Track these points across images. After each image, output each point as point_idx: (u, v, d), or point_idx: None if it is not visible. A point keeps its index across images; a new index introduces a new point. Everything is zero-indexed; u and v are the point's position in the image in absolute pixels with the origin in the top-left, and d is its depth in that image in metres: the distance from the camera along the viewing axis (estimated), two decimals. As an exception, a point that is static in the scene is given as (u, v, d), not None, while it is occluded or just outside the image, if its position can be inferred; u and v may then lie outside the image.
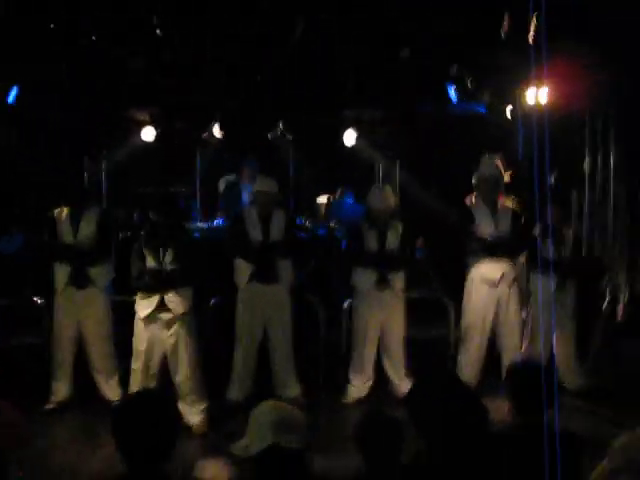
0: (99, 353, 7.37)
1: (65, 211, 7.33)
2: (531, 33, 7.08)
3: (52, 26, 7.71)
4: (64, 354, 7.33)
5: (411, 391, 3.66)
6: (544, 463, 2.70)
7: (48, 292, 7.59)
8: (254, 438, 3.01)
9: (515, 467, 3.40)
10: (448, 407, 3.21)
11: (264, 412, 3.08)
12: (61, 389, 7.34)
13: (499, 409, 3.95)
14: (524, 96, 8.92)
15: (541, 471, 2.70)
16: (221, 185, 11.65)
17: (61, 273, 7.28)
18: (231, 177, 11.46)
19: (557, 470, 2.68)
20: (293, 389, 7.53)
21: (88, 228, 7.28)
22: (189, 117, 11.21)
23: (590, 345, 8.26)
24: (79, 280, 7.24)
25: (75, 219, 7.29)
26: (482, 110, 10.29)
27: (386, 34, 8.24)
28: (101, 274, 7.33)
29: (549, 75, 7.94)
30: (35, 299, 7.91)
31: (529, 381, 3.64)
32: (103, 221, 7.40)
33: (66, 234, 7.26)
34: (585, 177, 9.40)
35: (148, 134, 10.94)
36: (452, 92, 9.76)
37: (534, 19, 7.00)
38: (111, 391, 7.34)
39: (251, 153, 11.00)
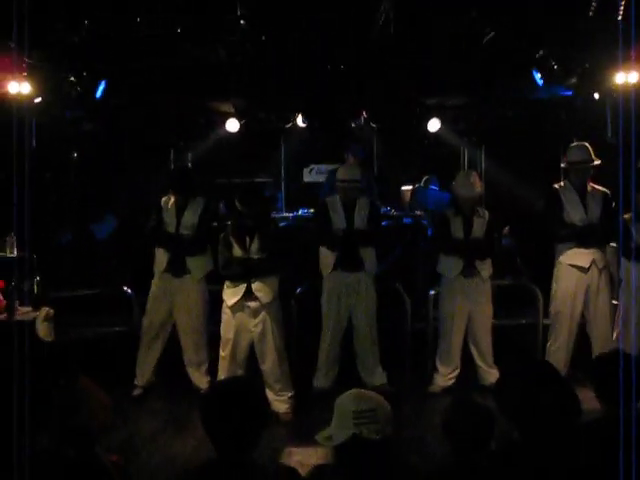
0: (191, 342, 7.46)
1: (172, 200, 7.45)
2: (620, 12, 6.90)
3: (138, 20, 7.81)
4: (153, 339, 7.46)
5: (500, 379, 3.63)
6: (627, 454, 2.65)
7: (138, 280, 7.75)
8: (337, 427, 3.03)
9: (601, 458, 3.33)
10: (540, 395, 3.16)
11: (347, 401, 3.09)
12: (146, 374, 7.48)
13: (588, 398, 3.87)
14: (613, 78, 8.70)
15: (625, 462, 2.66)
16: (305, 175, 11.72)
17: (161, 260, 7.42)
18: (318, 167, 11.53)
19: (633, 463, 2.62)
20: (379, 377, 7.52)
21: (192, 218, 7.39)
22: (272, 108, 11.28)
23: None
24: (178, 267, 7.36)
25: (180, 208, 7.42)
26: (569, 94, 10.08)
27: (470, 18, 8.11)
28: (199, 264, 7.43)
29: (639, 56, 7.74)
30: (125, 288, 8.08)
31: (617, 371, 3.55)
32: (205, 212, 7.50)
33: (170, 222, 7.40)
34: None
35: (232, 125, 11.07)
36: (538, 76, 9.57)
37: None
38: (200, 379, 7.45)
39: (348, 141, 10.96)
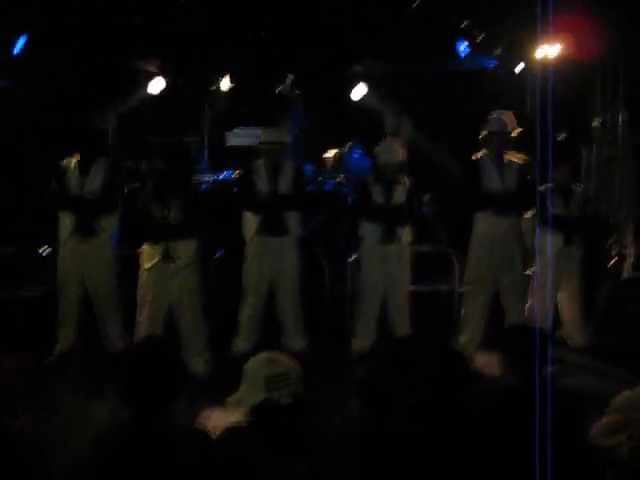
0: (103, 302, 7.35)
1: (74, 161, 7.28)
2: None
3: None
4: (69, 304, 7.34)
5: (397, 345, 3.68)
6: (535, 424, 2.71)
7: (53, 242, 7.60)
8: (248, 391, 3.04)
9: (503, 427, 3.41)
10: (429, 363, 3.20)
11: (259, 365, 3.10)
12: (66, 338, 7.36)
13: (496, 365, 3.96)
14: (534, 51, 8.82)
15: (530, 432, 2.73)
16: (230, 138, 11.61)
17: (67, 223, 7.26)
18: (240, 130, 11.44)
19: (547, 431, 2.70)
20: (299, 342, 7.56)
21: (96, 179, 7.23)
22: (198, 69, 11.14)
23: (596, 302, 8.26)
24: (84, 231, 7.22)
25: (84, 170, 7.25)
26: (492, 65, 10.19)
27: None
28: (106, 225, 7.29)
29: (560, 29, 7.85)
30: (39, 250, 7.91)
31: (523, 345, 3.64)
32: (111, 172, 7.35)
33: (74, 185, 7.22)
34: (595, 134, 9.33)
35: (157, 85, 10.89)
36: (462, 46, 9.65)
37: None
38: (114, 341, 7.37)
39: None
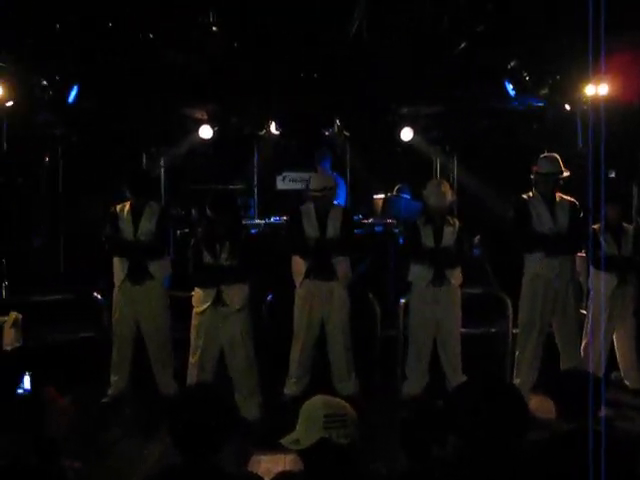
0: (156, 347, 7.46)
1: (127, 207, 7.42)
2: (590, 24, 6.95)
3: (110, 25, 7.78)
4: (123, 348, 7.45)
5: (452, 390, 3.64)
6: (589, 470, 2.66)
7: (108, 287, 7.71)
8: (304, 431, 3.03)
9: (556, 477, 3.35)
10: (485, 408, 3.14)
11: (315, 406, 3.09)
12: (119, 383, 7.46)
13: (552, 408, 3.91)
14: (584, 90, 8.79)
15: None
16: (278, 182, 11.72)
17: (120, 268, 7.39)
18: (291, 175, 11.53)
19: (602, 476, 2.64)
20: (351, 386, 7.53)
21: (148, 224, 7.37)
22: (246, 114, 11.28)
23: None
24: (137, 275, 7.34)
25: (136, 215, 7.39)
26: (541, 105, 10.17)
27: (443, 28, 8.16)
28: (159, 269, 7.43)
29: (609, 68, 7.81)
30: (95, 294, 8.03)
31: (578, 389, 3.58)
32: (163, 217, 7.49)
33: (127, 230, 7.37)
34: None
35: (205, 132, 11.05)
36: (510, 87, 9.65)
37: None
38: (167, 385, 7.43)
39: (315, 150, 10.99)
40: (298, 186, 11.00)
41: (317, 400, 3.13)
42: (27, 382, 3.34)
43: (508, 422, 3.10)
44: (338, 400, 3.17)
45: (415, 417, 3.68)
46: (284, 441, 3.07)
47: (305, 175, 10.58)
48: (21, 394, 3.36)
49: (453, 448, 3.20)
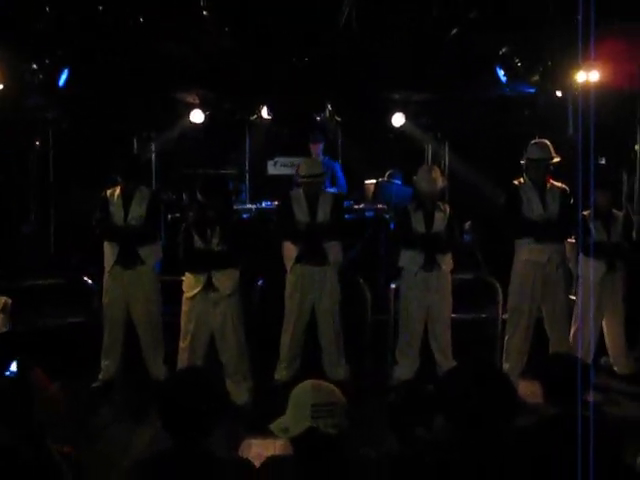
0: (147, 331, 7.47)
1: (117, 191, 7.41)
2: (579, 11, 6.95)
3: (100, 8, 7.74)
4: (114, 333, 7.45)
5: (443, 375, 3.66)
6: (576, 454, 2.67)
7: (98, 272, 7.71)
8: (293, 419, 3.03)
9: (544, 461, 3.37)
10: (474, 392, 3.16)
11: (304, 393, 3.08)
12: (110, 368, 7.47)
13: (539, 393, 3.93)
14: (574, 77, 8.79)
15: (573, 463, 2.69)
16: (270, 167, 11.73)
17: (111, 253, 7.38)
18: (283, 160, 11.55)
19: (589, 461, 2.66)
20: (341, 371, 7.56)
21: (139, 209, 7.36)
22: (237, 99, 11.26)
23: (640, 329, 8.17)
24: (128, 260, 7.34)
25: (127, 199, 7.38)
26: (532, 91, 10.17)
27: (434, 15, 8.15)
28: (149, 254, 7.42)
29: (599, 55, 7.82)
30: (85, 279, 8.02)
31: (566, 373, 3.60)
32: (153, 202, 7.48)
33: (117, 214, 7.36)
34: (637, 159, 9.26)
35: (197, 116, 11.03)
36: (501, 73, 9.65)
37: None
38: (157, 369, 7.45)
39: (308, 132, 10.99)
40: (289, 171, 11.00)
41: (306, 387, 3.13)
42: (14, 366, 3.32)
43: (497, 407, 3.13)
44: (327, 386, 3.16)
45: (402, 400, 3.69)
46: (273, 427, 3.08)
47: (297, 160, 10.57)
48: (7, 377, 3.34)
49: (440, 430, 3.23)
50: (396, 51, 9.18)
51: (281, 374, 7.56)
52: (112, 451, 5.86)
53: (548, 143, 7.35)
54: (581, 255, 7.72)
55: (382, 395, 7.22)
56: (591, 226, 7.55)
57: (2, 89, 8.68)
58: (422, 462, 3.23)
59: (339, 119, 11.63)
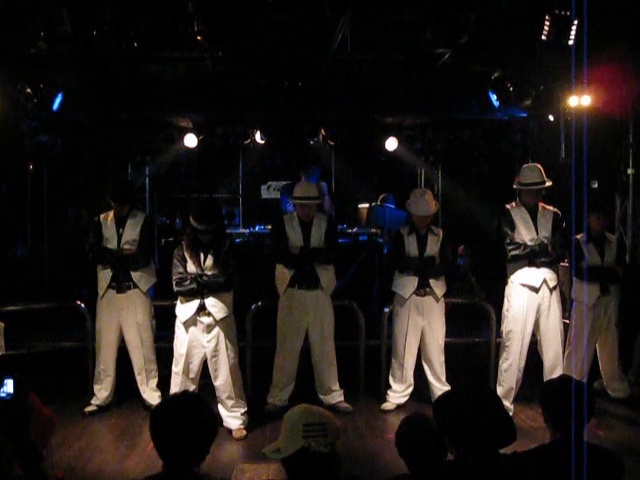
0: (140, 356, 7.43)
1: (110, 215, 7.41)
2: (571, 37, 7.02)
3: (95, 33, 7.76)
4: (106, 358, 7.41)
5: (439, 398, 3.66)
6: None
7: (91, 296, 7.69)
8: (285, 441, 3.03)
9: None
10: (473, 416, 3.16)
11: (297, 415, 3.10)
12: (102, 392, 7.42)
13: (537, 416, 3.93)
14: (567, 101, 8.85)
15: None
16: (263, 191, 11.76)
17: (104, 277, 7.37)
18: (276, 184, 11.59)
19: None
20: (336, 396, 7.53)
21: (132, 233, 7.36)
22: (231, 123, 11.30)
23: (634, 353, 8.16)
24: (121, 284, 7.33)
25: (120, 224, 7.38)
26: (524, 115, 10.23)
27: (426, 40, 8.20)
28: (143, 278, 7.40)
29: (592, 80, 7.88)
30: (79, 303, 8.00)
31: (565, 398, 3.59)
32: (146, 226, 7.48)
33: (110, 238, 7.35)
34: (629, 183, 9.31)
35: (190, 140, 11.06)
36: (494, 97, 9.72)
37: (575, 23, 6.96)
38: (150, 394, 7.42)
39: (305, 159, 11.04)
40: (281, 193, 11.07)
41: (298, 409, 3.14)
42: (9, 386, 3.29)
43: (492, 431, 3.13)
44: (319, 409, 3.17)
45: (410, 430, 3.68)
46: (266, 450, 3.08)
47: (285, 183, 10.66)
48: (2, 397, 3.31)
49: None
50: (389, 75, 9.24)
51: (275, 398, 7.52)
52: (104, 476, 5.83)
53: (540, 167, 7.38)
54: (574, 279, 7.74)
55: (376, 419, 7.26)
56: (584, 250, 7.58)
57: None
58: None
59: (332, 143, 11.66)
